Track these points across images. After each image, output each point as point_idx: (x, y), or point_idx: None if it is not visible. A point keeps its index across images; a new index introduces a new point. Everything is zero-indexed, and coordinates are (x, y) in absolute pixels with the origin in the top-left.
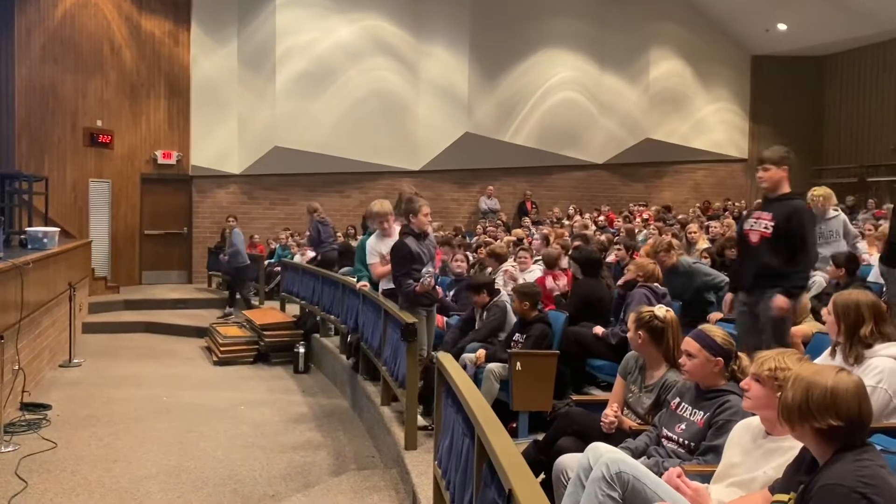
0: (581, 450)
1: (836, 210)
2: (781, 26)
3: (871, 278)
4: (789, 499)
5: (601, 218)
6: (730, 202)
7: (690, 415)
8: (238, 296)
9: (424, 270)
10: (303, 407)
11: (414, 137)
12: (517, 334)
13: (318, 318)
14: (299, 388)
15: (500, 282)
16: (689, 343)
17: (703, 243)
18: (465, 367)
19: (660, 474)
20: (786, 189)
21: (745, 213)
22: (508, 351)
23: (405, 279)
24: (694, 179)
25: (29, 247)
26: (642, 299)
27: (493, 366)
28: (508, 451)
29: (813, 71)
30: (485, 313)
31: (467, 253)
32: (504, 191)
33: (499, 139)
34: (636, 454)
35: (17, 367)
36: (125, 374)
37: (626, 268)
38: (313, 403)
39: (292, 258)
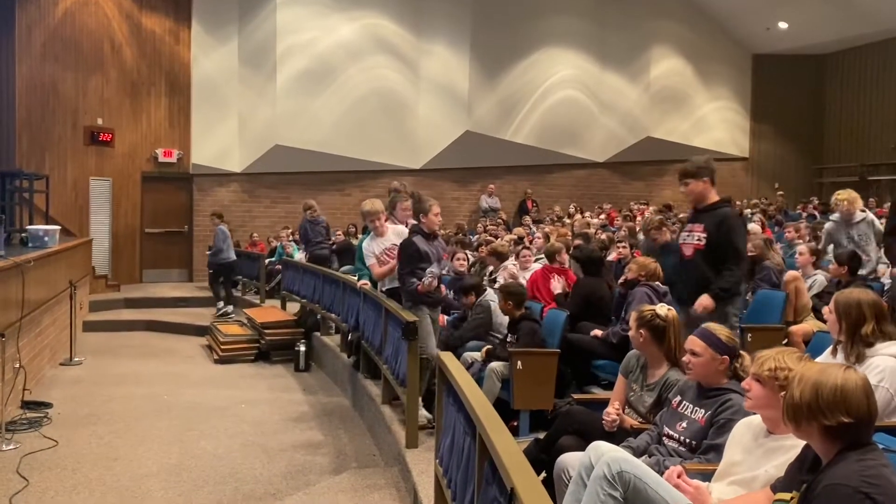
0: (582, 448)
1: (864, 211)
2: (782, 25)
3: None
4: (791, 498)
5: (601, 216)
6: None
7: (692, 413)
8: (223, 291)
9: (428, 270)
10: (303, 405)
11: (414, 136)
12: (509, 335)
13: (318, 317)
14: (300, 387)
15: (501, 280)
16: (694, 342)
17: None
18: (469, 365)
19: (661, 473)
20: (713, 198)
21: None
22: (510, 350)
23: (409, 277)
24: None
25: (30, 245)
26: (643, 298)
27: (494, 365)
28: (510, 450)
29: (813, 69)
30: (470, 313)
31: (466, 251)
32: (505, 189)
33: (499, 137)
34: (637, 453)
35: (17, 366)
36: (126, 372)
37: (627, 266)
38: (314, 402)
39: (294, 255)
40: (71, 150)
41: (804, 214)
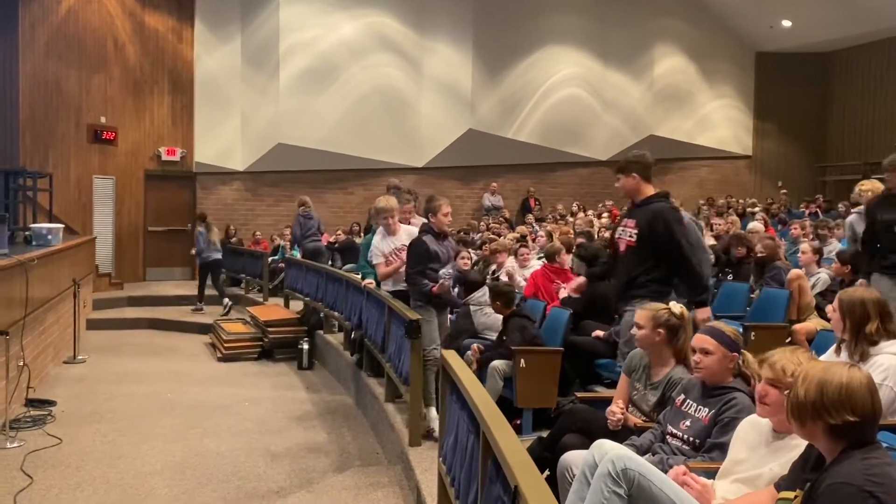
0: (586, 447)
1: None
2: (786, 23)
3: None
4: (795, 496)
5: (605, 215)
6: (733, 199)
7: (695, 412)
8: (210, 290)
9: (443, 271)
10: (307, 403)
11: (417, 134)
12: (504, 336)
13: (321, 315)
14: (303, 385)
15: (504, 279)
16: (705, 340)
17: (708, 240)
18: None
19: (665, 471)
20: (647, 193)
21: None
22: (513, 348)
23: (419, 277)
24: (698, 176)
25: (33, 243)
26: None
27: (496, 363)
28: (514, 448)
29: (817, 67)
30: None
31: (469, 250)
32: (507, 188)
33: (502, 136)
34: (641, 451)
35: (21, 364)
36: (129, 370)
37: None
38: (317, 400)
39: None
40: (74, 149)
41: (807, 212)
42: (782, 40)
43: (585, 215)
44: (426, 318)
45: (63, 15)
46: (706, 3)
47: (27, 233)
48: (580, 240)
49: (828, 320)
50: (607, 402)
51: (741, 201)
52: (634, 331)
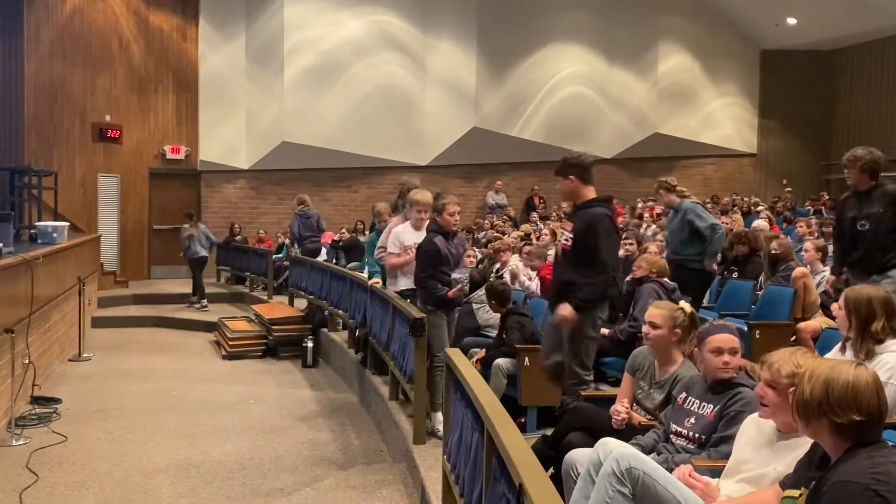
0: (590, 445)
1: None
2: (791, 20)
3: None
4: (800, 494)
5: None
6: (738, 197)
7: (699, 408)
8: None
9: (458, 276)
10: (311, 401)
11: (421, 132)
12: (503, 334)
13: (326, 313)
14: (308, 383)
15: (506, 277)
16: (735, 341)
17: None
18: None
19: (670, 470)
20: (587, 196)
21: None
22: (517, 346)
23: (431, 281)
24: (703, 174)
25: (39, 241)
26: (652, 294)
27: (500, 361)
28: (518, 446)
29: (823, 66)
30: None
31: (474, 248)
32: (512, 186)
33: (506, 134)
34: (646, 451)
35: (27, 361)
36: (134, 368)
37: (635, 264)
38: (322, 397)
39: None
40: (79, 147)
41: (812, 210)
42: (787, 38)
43: None
44: (436, 324)
45: (68, 14)
46: (711, 0)
47: (32, 231)
48: None
49: (833, 318)
50: (611, 400)
51: (745, 199)
52: (647, 330)
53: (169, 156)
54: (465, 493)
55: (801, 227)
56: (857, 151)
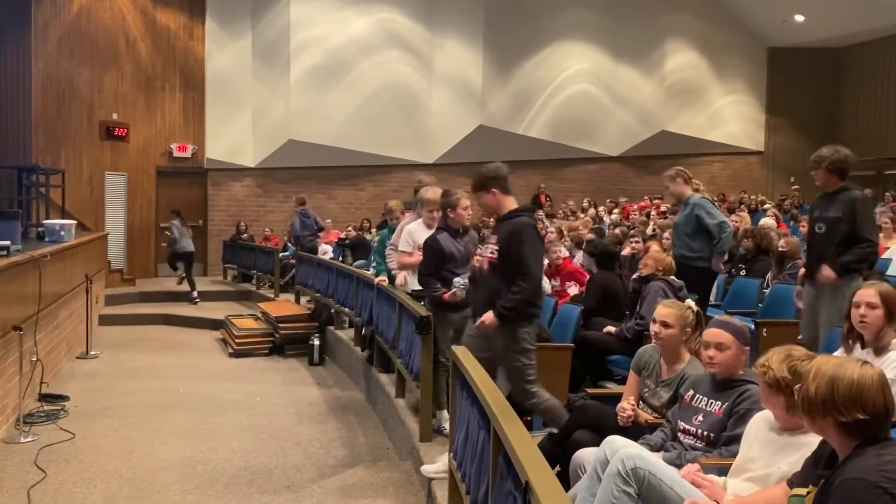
0: (597, 443)
1: None
2: (798, 18)
3: (890, 271)
4: (808, 492)
5: (616, 211)
6: (745, 195)
7: (707, 406)
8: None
9: (456, 280)
10: (318, 399)
11: (427, 130)
12: None
13: (332, 311)
14: (314, 380)
15: None
16: (720, 335)
17: None
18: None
19: (682, 465)
20: (509, 207)
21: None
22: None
23: (431, 280)
24: (710, 172)
25: (46, 239)
26: (659, 292)
27: None
28: (525, 444)
29: (830, 63)
30: None
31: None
32: (518, 184)
33: (513, 132)
34: (654, 450)
35: (35, 359)
36: (141, 365)
37: (641, 262)
38: (328, 395)
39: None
40: (86, 145)
41: None
42: (795, 35)
43: (596, 211)
44: (441, 323)
45: (75, 13)
46: None
47: (40, 229)
48: (590, 236)
49: None
50: (618, 398)
51: (752, 197)
52: (659, 329)
53: (176, 154)
54: (472, 491)
55: (803, 225)
56: (823, 151)
